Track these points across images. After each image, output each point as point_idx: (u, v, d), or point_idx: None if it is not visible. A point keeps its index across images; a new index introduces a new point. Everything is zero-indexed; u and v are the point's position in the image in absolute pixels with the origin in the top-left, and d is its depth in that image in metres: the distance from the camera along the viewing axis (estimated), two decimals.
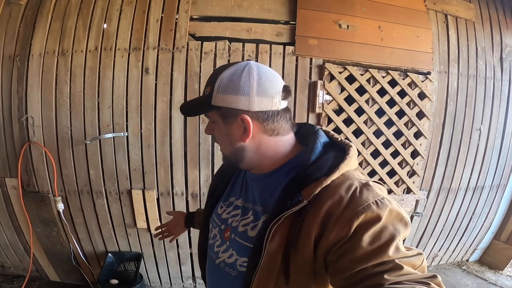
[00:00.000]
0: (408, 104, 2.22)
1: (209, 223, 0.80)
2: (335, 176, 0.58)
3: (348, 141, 0.66)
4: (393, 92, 2.18)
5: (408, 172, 2.31)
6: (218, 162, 2.08)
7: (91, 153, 2.04)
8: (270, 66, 1.85)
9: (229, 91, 0.60)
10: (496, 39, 2.44)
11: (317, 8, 2.07)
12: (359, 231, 0.52)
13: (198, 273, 2.35)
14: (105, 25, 1.99)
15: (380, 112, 2.19)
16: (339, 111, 2.16)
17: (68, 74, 1.98)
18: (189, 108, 0.73)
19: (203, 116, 1.98)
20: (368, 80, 2.15)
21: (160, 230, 1.16)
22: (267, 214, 0.63)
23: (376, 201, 0.54)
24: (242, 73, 0.60)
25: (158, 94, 2.01)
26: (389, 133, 2.21)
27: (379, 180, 0.65)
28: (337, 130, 2.13)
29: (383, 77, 2.17)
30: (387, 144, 2.23)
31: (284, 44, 2.06)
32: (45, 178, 2.06)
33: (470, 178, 2.54)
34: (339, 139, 0.67)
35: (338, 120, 2.13)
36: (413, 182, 2.33)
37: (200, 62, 2.01)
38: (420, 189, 2.40)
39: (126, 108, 2.01)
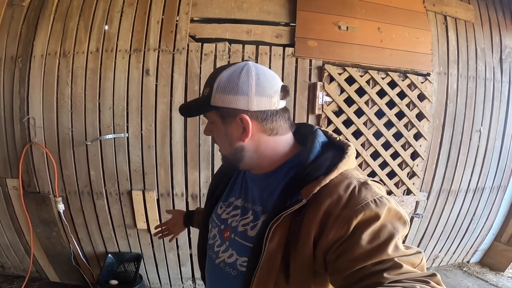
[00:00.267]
0: (407, 105, 2.22)
1: (209, 223, 0.80)
2: (333, 175, 0.58)
3: (346, 141, 0.66)
4: (392, 93, 2.18)
5: (408, 174, 2.31)
6: (218, 163, 2.08)
7: (92, 154, 2.04)
8: (270, 68, 1.86)
9: (228, 91, 0.61)
10: (495, 40, 2.44)
11: (316, 10, 2.08)
12: (358, 229, 0.52)
13: (198, 274, 2.34)
14: (106, 27, 2.00)
15: (379, 114, 2.19)
16: (338, 112, 2.16)
17: (70, 76, 1.99)
18: (189, 109, 0.73)
19: (203, 117, 1.98)
20: (367, 82, 2.16)
21: (159, 229, 1.16)
22: (266, 214, 0.63)
23: (374, 199, 0.54)
24: (241, 73, 0.61)
25: (158, 96, 2.02)
26: (388, 134, 2.21)
27: (380, 182, 0.66)
28: (337, 131, 2.13)
29: (383, 78, 2.18)
30: (387, 145, 2.23)
31: (284, 46, 2.07)
32: (46, 179, 2.07)
33: (470, 180, 2.54)
34: (338, 138, 0.68)
35: (338, 122, 2.13)
36: (413, 184, 2.33)
37: (200, 63, 2.02)
38: (420, 191, 2.40)
39: (127, 109, 2.02)
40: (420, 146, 2.29)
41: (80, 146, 2.03)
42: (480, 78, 2.41)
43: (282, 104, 0.65)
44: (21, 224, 2.16)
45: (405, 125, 2.24)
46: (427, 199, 2.45)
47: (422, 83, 2.24)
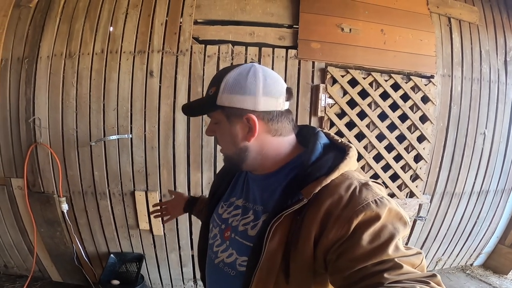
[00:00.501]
0: (411, 107, 2.21)
1: (210, 223, 0.80)
2: (334, 175, 0.58)
3: (347, 142, 0.67)
4: (396, 95, 2.17)
5: (411, 176, 2.30)
6: (220, 165, 2.09)
7: (96, 154, 2.06)
8: (272, 70, 1.86)
9: (236, 91, 0.62)
10: (500, 42, 2.43)
11: (319, 12, 2.08)
12: (359, 230, 0.52)
13: (199, 275, 2.34)
14: (111, 28, 2.02)
15: (382, 116, 2.19)
16: (341, 114, 2.16)
17: (75, 77, 2.01)
18: (193, 109, 0.74)
19: (206, 118, 1.99)
20: (370, 84, 2.15)
21: (158, 207, 1.15)
22: (267, 213, 0.63)
23: (375, 200, 0.54)
24: (248, 74, 0.62)
25: (162, 97, 2.04)
26: (392, 137, 2.20)
27: (382, 183, 0.66)
28: (340, 133, 2.13)
29: (386, 80, 2.17)
30: (390, 148, 2.22)
31: (287, 48, 2.08)
32: (51, 179, 2.09)
33: (474, 183, 2.52)
34: (339, 140, 0.68)
35: (341, 124, 2.13)
36: (416, 186, 2.32)
37: (204, 65, 2.04)
38: (423, 193, 2.38)
39: (131, 110, 2.04)
40: (424, 148, 2.28)
41: (85, 147, 2.05)
42: (485, 80, 2.39)
43: (286, 105, 0.67)
44: (25, 224, 2.19)
45: (409, 128, 2.23)
46: (431, 201, 2.43)
47: (425, 85, 2.23)
